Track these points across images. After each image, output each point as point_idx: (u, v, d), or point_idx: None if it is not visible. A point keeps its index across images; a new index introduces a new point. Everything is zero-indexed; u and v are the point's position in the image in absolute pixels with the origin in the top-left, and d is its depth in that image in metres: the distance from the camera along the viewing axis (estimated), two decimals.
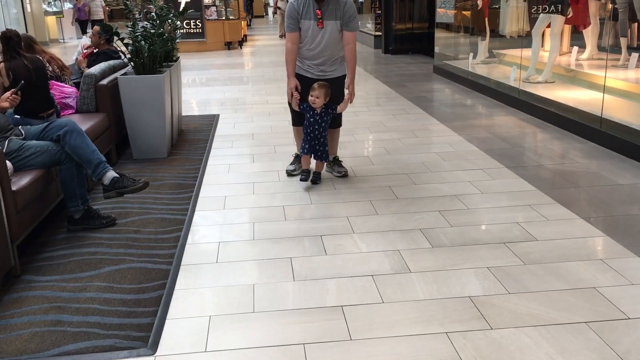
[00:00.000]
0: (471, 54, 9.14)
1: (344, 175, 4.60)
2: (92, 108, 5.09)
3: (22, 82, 3.87)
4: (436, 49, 10.42)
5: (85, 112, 5.08)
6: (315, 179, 4.46)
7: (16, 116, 4.20)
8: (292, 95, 4.36)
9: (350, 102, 4.45)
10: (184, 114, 7.06)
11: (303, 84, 4.38)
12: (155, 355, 2.43)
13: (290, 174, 4.65)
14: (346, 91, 4.42)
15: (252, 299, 2.85)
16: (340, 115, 4.60)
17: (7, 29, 4.43)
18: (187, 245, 3.48)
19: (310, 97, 4.27)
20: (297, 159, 4.73)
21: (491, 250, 3.28)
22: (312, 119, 4.34)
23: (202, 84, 9.97)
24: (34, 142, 3.57)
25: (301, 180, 4.39)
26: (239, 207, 4.07)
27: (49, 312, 2.77)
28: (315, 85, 4.27)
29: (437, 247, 3.35)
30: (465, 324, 2.58)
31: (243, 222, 3.81)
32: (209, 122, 6.76)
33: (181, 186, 4.53)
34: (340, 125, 4.69)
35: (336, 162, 4.71)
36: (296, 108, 4.39)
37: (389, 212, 3.88)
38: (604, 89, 5.75)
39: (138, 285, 3.01)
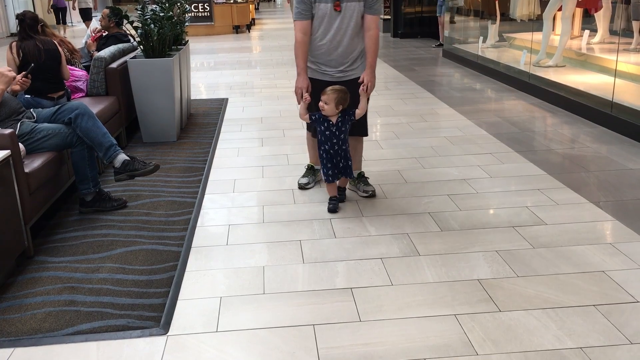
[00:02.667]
0: (481, 38, 9.07)
1: (372, 195, 3.88)
2: (102, 91, 5.11)
3: (32, 64, 3.91)
4: (445, 33, 10.34)
5: (95, 95, 5.10)
6: (341, 197, 3.80)
7: (26, 96, 4.24)
8: (301, 96, 3.62)
9: (368, 92, 3.62)
10: (192, 97, 7.08)
11: (318, 91, 3.55)
12: (167, 334, 2.47)
13: (303, 187, 4.02)
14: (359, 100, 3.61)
15: (262, 280, 2.88)
16: (364, 120, 3.81)
17: (25, 11, 4.53)
18: (197, 228, 3.51)
19: (320, 103, 3.52)
20: (310, 170, 4.14)
21: (500, 234, 3.29)
22: (327, 132, 3.55)
23: (210, 68, 9.96)
24: (45, 124, 3.59)
25: (330, 210, 3.65)
26: (249, 190, 4.09)
27: (62, 293, 2.81)
28: (328, 89, 3.49)
29: (446, 230, 3.37)
30: (474, 306, 2.60)
31: (252, 205, 3.83)
32: (218, 106, 6.77)
33: (191, 169, 4.56)
34: (365, 134, 3.93)
35: (362, 179, 3.98)
36: (305, 118, 3.66)
37: (398, 195, 3.89)
38: (615, 73, 5.70)
39: (149, 267, 3.05)
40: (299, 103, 3.65)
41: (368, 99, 3.64)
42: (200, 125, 5.94)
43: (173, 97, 5.23)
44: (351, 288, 2.77)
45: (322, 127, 3.56)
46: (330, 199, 3.71)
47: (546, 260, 2.97)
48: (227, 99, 7.18)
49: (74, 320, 2.58)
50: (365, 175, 4.01)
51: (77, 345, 2.41)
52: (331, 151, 3.58)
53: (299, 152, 4.86)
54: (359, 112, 3.59)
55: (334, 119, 3.55)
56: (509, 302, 2.62)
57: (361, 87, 3.58)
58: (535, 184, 4.00)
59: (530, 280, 2.79)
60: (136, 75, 5.13)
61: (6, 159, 2.97)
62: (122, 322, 2.55)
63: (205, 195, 4.03)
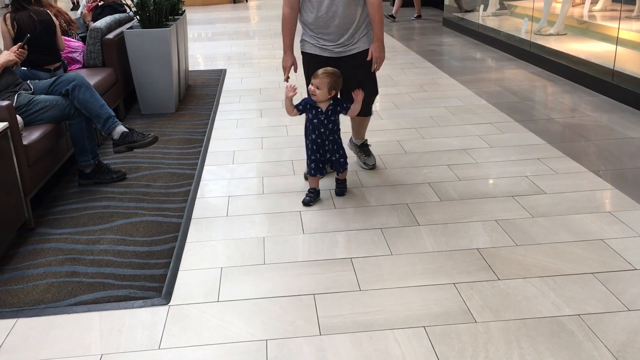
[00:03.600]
0: (482, 6, 8.96)
1: (373, 167, 3.83)
2: (99, 63, 5.06)
3: (28, 35, 3.87)
4: (446, 1, 10.21)
5: (92, 66, 5.05)
6: (340, 190, 3.48)
7: (23, 68, 4.20)
8: (287, 76, 3.46)
9: (376, 69, 3.47)
10: (190, 69, 7.02)
11: (315, 67, 3.32)
12: (169, 304, 2.49)
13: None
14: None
15: (262, 251, 2.89)
16: (370, 100, 3.57)
17: None
18: (197, 199, 3.52)
19: (310, 87, 3.24)
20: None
21: (499, 203, 3.30)
22: (315, 120, 3.25)
23: (208, 39, 9.86)
24: (43, 96, 3.57)
25: (304, 203, 3.35)
26: (248, 162, 4.08)
27: (64, 264, 2.83)
28: (320, 71, 3.20)
29: (445, 200, 3.37)
30: (473, 275, 2.62)
31: (252, 176, 3.83)
32: (216, 77, 6.72)
33: (190, 141, 4.54)
34: (370, 113, 3.72)
35: (364, 148, 3.89)
36: (293, 114, 3.29)
37: (398, 166, 3.89)
38: (617, 41, 5.64)
39: (150, 238, 3.06)
40: (285, 81, 3.46)
41: (373, 87, 3.52)
42: (199, 96, 5.90)
43: (171, 68, 5.18)
44: (351, 258, 2.79)
45: (310, 115, 3.28)
46: (309, 190, 3.40)
47: (545, 229, 2.99)
48: (225, 70, 7.12)
49: (76, 291, 2.60)
50: (368, 143, 3.94)
51: (79, 316, 2.44)
52: (318, 140, 3.30)
53: (298, 123, 4.82)
54: (353, 111, 3.34)
55: (324, 107, 3.25)
56: (507, 270, 2.64)
57: (373, 65, 3.41)
58: (535, 154, 4.00)
59: (529, 249, 2.81)
60: (133, 46, 5.08)
61: (4, 131, 2.96)
62: (124, 293, 2.57)
63: (205, 167, 4.03)
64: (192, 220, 3.26)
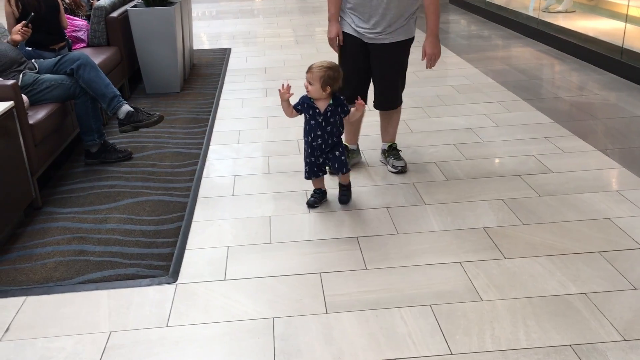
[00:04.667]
0: None
1: (401, 171, 3.41)
2: (103, 41, 5.04)
3: (33, 14, 3.84)
4: None
5: (96, 45, 5.02)
6: (343, 197, 3.11)
7: (28, 48, 4.18)
8: (338, 46, 3.20)
9: (431, 66, 3.20)
10: (195, 48, 6.98)
11: (349, 50, 3.08)
12: (176, 283, 2.50)
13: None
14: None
15: (268, 230, 2.90)
16: (398, 92, 3.29)
17: None
18: (203, 179, 3.52)
19: (304, 81, 2.90)
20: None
21: (506, 182, 3.29)
22: (312, 122, 2.92)
23: (212, 17, 9.79)
24: (48, 75, 3.56)
25: (309, 204, 3.08)
26: (253, 141, 4.08)
27: (71, 243, 2.84)
28: (314, 65, 2.85)
29: (451, 179, 3.36)
30: (479, 253, 2.62)
31: (258, 155, 3.83)
32: (221, 56, 6.68)
33: (195, 120, 4.53)
34: (396, 105, 3.37)
35: (392, 151, 3.49)
36: (289, 113, 2.99)
37: (404, 145, 3.87)
38: (626, 19, 5.57)
39: (157, 217, 3.07)
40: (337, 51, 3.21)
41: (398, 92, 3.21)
42: (204, 75, 5.88)
43: (175, 47, 5.15)
44: (357, 237, 2.79)
45: (307, 116, 2.93)
46: (314, 190, 3.12)
47: (552, 208, 2.98)
48: (230, 49, 7.08)
49: (84, 270, 2.61)
50: (398, 148, 3.54)
51: (87, 294, 2.46)
52: (314, 144, 2.94)
53: None
54: (352, 116, 3.00)
55: (322, 107, 2.89)
56: (514, 249, 2.64)
57: (426, 62, 3.15)
58: (542, 132, 3.97)
59: (536, 228, 2.80)
60: (137, 25, 5.05)
61: (10, 111, 2.96)
62: (131, 271, 2.59)
63: (210, 147, 4.03)
64: (198, 199, 3.26)
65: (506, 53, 6.36)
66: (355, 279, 2.48)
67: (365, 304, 2.31)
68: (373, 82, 3.31)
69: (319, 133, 2.92)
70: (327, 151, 2.96)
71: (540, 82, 5.19)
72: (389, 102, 3.33)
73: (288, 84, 2.92)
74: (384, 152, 3.54)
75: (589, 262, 2.51)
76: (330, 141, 2.95)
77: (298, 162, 3.68)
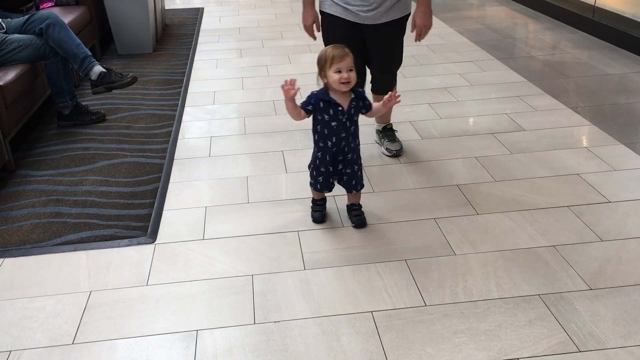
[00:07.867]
0: None
1: (395, 155, 3.17)
2: (72, 1, 4.90)
3: None
4: None
5: (64, 4, 4.88)
6: (357, 221, 2.58)
7: None
8: (313, 34, 2.89)
9: (420, 39, 2.90)
10: (166, 7, 6.83)
11: (338, 34, 2.74)
12: (155, 243, 2.52)
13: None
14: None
15: (246, 190, 2.92)
16: (394, 74, 3.02)
17: None
18: (178, 140, 3.51)
19: (341, 75, 2.26)
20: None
21: (479, 140, 3.34)
22: (333, 123, 2.37)
23: None
24: (16, 35, 3.47)
25: (315, 220, 2.61)
26: (229, 102, 4.05)
27: (47, 205, 2.83)
28: (339, 48, 2.29)
29: (426, 138, 3.40)
30: (453, 210, 2.68)
31: (233, 117, 3.81)
32: (194, 16, 6.56)
33: (169, 82, 4.48)
34: (392, 88, 3.00)
35: (387, 132, 3.23)
36: (300, 117, 2.40)
37: None
38: None
39: (133, 179, 3.06)
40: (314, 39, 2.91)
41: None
42: (177, 36, 5.78)
43: (147, 6, 5.04)
44: (334, 196, 2.83)
45: (327, 116, 2.37)
46: (315, 203, 2.65)
47: (523, 165, 3.05)
48: (202, 9, 6.94)
49: (61, 231, 2.61)
50: (394, 128, 3.28)
51: (66, 255, 2.46)
52: (334, 149, 2.43)
53: (278, 63, 4.78)
54: (375, 112, 2.49)
55: (345, 104, 2.37)
56: (486, 205, 2.71)
57: (415, 34, 2.83)
58: (515, 91, 4.02)
59: (508, 184, 2.87)
60: None
61: None
62: (109, 232, 2.60)
63: (185, 108, 3.99)
64: (174, 160, 3.26)
65: (481, 12, 6.36)
66: (332, 236, 2.52)
67: (342, 260, 2.36)
68: (368, 65, 3.01)
69: (343, 135, 2.40)
70: (350, 159, 2.47)
71: (514, 41, 5.22)
72: (389, 85, 3.02)
73: (293, 79, 2.28)
74: (378, 132, 3.28)
75: (557, 216, 2.60)
76: (352, 144, 2.46)
77: (274, 122, 3.68)
